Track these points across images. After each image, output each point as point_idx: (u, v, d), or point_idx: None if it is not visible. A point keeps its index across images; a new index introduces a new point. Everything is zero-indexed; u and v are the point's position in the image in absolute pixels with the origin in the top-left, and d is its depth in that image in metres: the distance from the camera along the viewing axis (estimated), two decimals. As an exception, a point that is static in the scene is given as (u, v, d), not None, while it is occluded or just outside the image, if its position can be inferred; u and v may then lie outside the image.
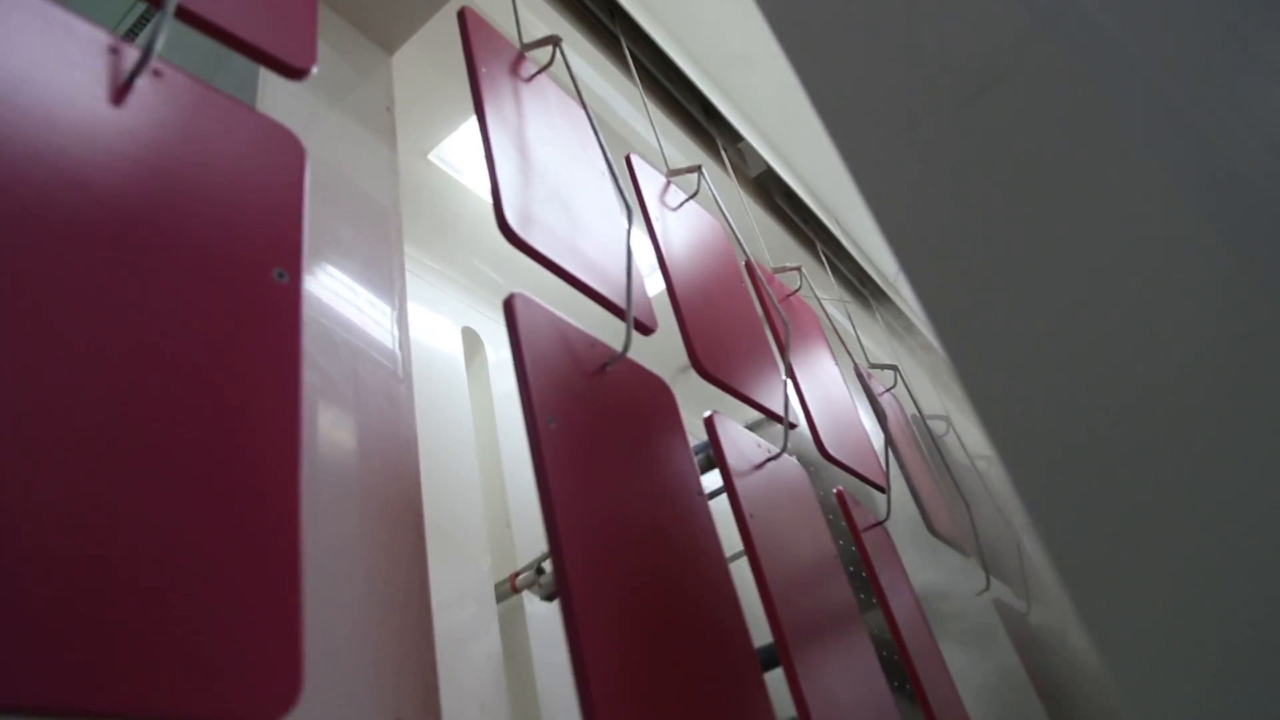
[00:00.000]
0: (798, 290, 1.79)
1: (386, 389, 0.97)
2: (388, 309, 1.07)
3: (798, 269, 1.79)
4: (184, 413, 0.56)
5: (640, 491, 0.92)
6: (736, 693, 0.91)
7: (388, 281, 1.08)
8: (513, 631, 1.60)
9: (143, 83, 0.66)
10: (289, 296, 0.65)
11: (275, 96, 1.10)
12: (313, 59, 0.81)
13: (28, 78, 0.60)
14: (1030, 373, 0.47)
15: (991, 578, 1.92)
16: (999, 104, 0.53)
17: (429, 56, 1.65)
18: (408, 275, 1.14)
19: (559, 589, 0.76)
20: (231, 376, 0.59)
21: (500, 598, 1.60)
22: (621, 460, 0.93)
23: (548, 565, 1.55)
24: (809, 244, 2.37)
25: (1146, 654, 0.39)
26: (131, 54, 0.66)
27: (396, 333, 1.07)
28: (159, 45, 0.66)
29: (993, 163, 0.53)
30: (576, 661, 0.71)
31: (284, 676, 0.51)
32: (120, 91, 0.65)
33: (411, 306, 1.72)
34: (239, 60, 0.79)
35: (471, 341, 2.05)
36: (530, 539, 1.82)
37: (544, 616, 1.65)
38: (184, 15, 0.70)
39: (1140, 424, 0.42)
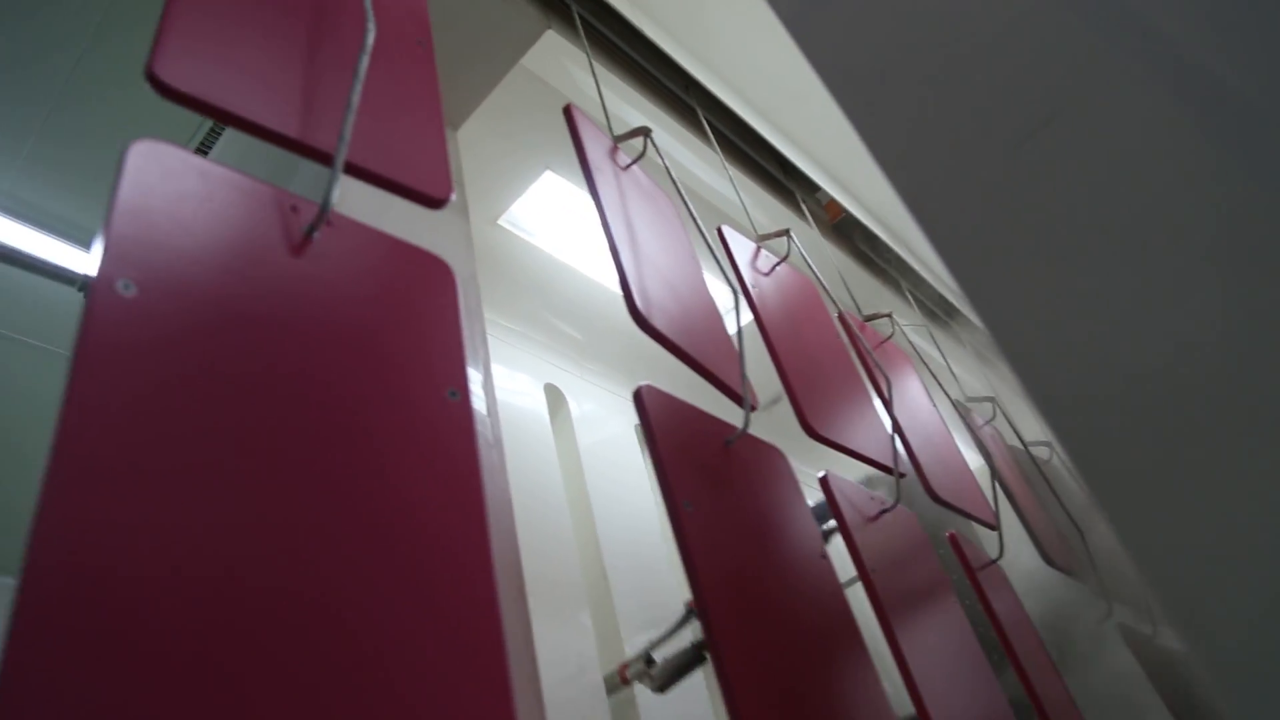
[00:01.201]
0: (890, 337, 1.82)
1: (481, 456, 1.04)
2: (476, 376, 1.14)
3: (888, 315, 1.82)
4: (393, 517, 0.63)
5: (773, 560, 0.97)
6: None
7: (473, 349, 1.15)
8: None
9: (323, 235, 0.74)
10: (462, 412, 0.72)
11: (349, 183, 1.19)
12: (449, 189, 0.89)
13: (230, 241, 0.69)
14: (1097, 388, 0.49)
15: (1113, 603, 1.90)
16: (1054, 140, 0.55)
17: (491, 127, 1.76)
18: (489, 339, 1.21)
19: (712, 657, 0.81)
20: (427, 487, 0.66)
21: (610, 689, 1.62)
22: (752, 531, 0.98)
23: (658, 655, 1.55)
24: (893, 283, 2.40)
25: (1242, 645, 0.40)
26: (309, 209, 0.75)
27: (485, 397, 1.14)
28: (335, 199, 0.74)
29: (1051, 197, 0.54)
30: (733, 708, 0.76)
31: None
32: (301, 244, 0.74)
33: (494, 369, 1.80)
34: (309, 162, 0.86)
35: (554, 397, 2.12)
36: (628, 589, 1.86)
37: (657, 705, 1.67)
38: (349, 169, 0.79)
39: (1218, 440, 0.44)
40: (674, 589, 2.00)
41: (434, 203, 0.87)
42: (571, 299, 2.19)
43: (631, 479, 2.12)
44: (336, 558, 0.59)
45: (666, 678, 1.48)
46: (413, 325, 0.76)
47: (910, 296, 2.35)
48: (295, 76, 0.87)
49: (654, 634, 1.63)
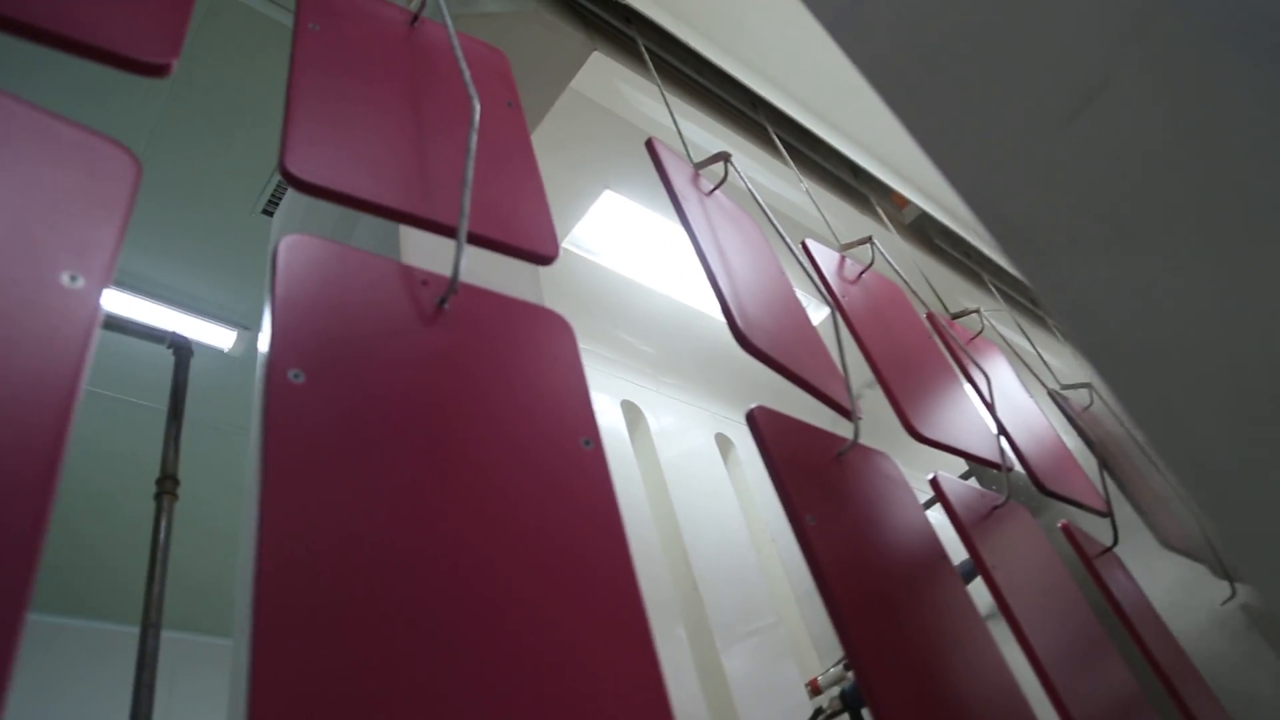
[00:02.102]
0: (980, 332, 1.83)
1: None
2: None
3: (976, 311, 1.83)
4: (550, 561, 0.68)
5: (897, 562, 1.00)
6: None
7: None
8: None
9: (452, 305, 0.80)
10: (597, 458, 0.78)
11: (410, 233, 1.24)
12: (556, 247, 0.95)
13: (374, 319, 0.76)
14: (1168, 367, 0.47)
15: (1237, 585, 1.86)
16: (1106, 112, 0.52)
17: (547, 153, 1.81)
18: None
19: (851, 662, 0.84)
20: (575, 531, 0.71)
21: None
22: (874, 536, 1.01)
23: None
24: (974, 276, 2.39)
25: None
26: (437, 281, 0.81)
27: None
28: (461, 269, 0.80)
29: (1107, 171, 0.52)
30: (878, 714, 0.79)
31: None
32: (434, 315, 0.80)
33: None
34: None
35: (632, 413, 2.16)
36: (720, 600, 1.89)
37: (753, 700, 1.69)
38: (469, 239, 0.85)
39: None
40: (766, 597, 2.02)
41: (544, 260, 0.93)
42: (642, 314, 2.23)
43: (716, 489, 2.15)
44: (507, 598, 0.64)
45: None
46: (543, 379, 0.82)
47: (993, 288, 2.34)
48: (407, 153, 0.94)
49: (751, 639, 1.64)
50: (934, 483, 1.24)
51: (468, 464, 0.70)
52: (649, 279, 2.20)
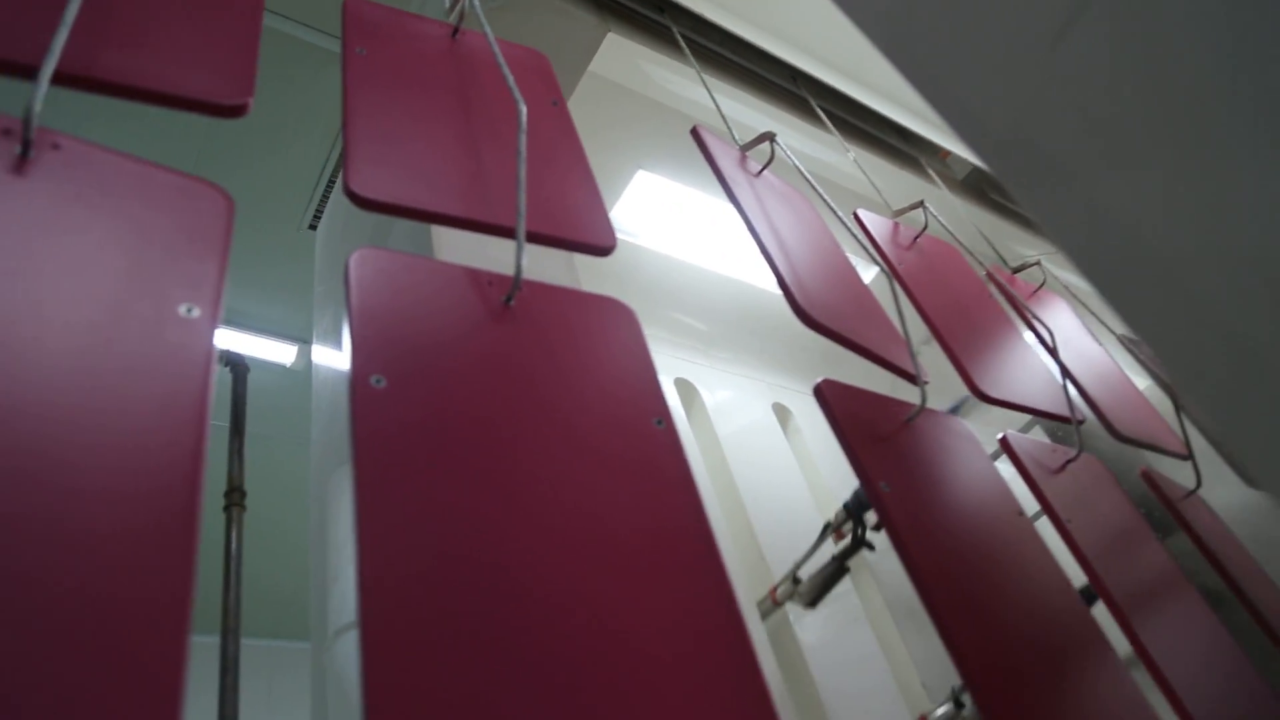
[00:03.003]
0: (1043, 284, 1.81)
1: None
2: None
3: (1037, 263, 1.80)
4: (633, 538, 0.71)
5: (974, 523, 1.01)
6: (1109, 687, 0.97)
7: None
8: (784, 646, 1.69)
9: (517, 302, 0.84)
10: (670, 437, 0.80)
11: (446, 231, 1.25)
12: (614, 238, 0.97)
13: (445, 321, 0.80)
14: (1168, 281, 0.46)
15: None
16: (1092, 31, 0.50)
17: None
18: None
19: (934, 621, 0.85)
20: (656, 509, 0.74)
21: (763, 614, 1.69)
22: (949, 498, 1.02)
23: (802, 574, 1.61)
24: (1035, 226, 2.35)
25: None
26: (501, 281, 0.85)
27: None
28: (524, 266, 0.84)
29: (1102, 93, 0.50)
30: (968, 679, 0.80)
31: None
32: (501, 312, 0.83)
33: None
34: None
35: (686, 391, 2.17)
36: (786, 570, 1.91)
37: (811, 625, 1.71)
38: (528, 237, 0.88)
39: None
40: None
41: (602, 251, 0.96)
42: (688, 291, 2.24)
43: (776, 459, 2.14)
44: (598, 582, 0.67)
45: (814, 593, 1.55)
46: (611, 365, 0.84)
47: (1054, 237, 2.30)
48: (462, 161, 0.98)
49: (797, 555, 1.69)
50: (1004, 442, 1.24)
51: (548, 454, 0.73)
52: (691, 255, 2.21)
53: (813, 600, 1.59)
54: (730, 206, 1.89)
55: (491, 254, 1.32)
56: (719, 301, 2.30)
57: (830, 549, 1.60)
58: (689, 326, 2.30)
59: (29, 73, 0.73)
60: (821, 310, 1.10)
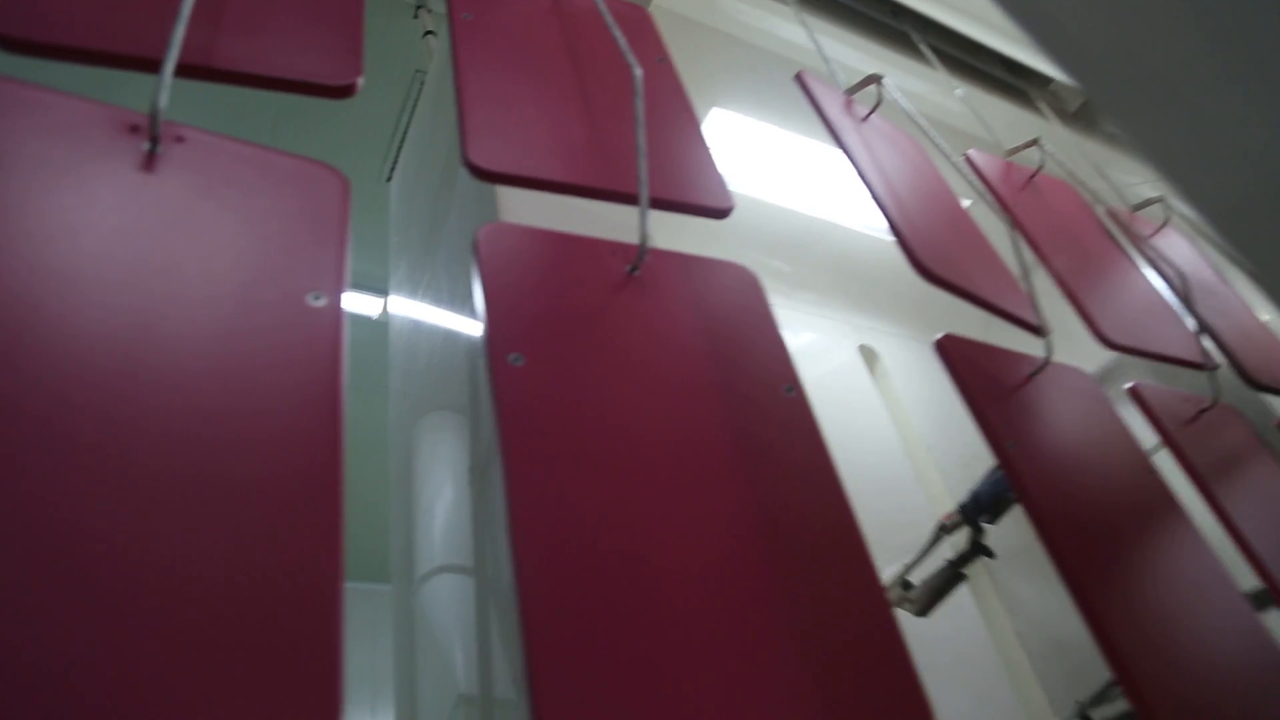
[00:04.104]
0: (1167, 221, 1.72)
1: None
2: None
3: (1160, 200, 1.72)
4: (770, 502, 0.71)
5: (1104, 477, 0.99)
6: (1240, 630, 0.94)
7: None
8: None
9: (642, 270, 0.84)
10: (801, 405, 0.80)
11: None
12: (731, 201, 0.96)
13: (573, 294, 0.80)
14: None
15: None
16: None
17: None
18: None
19: (1066, 582, 0.84)
20: (791, 476, 0.74)
21: None
22: (1077, 454, 0.99)
23: (914, 578, 1.53)
24: (1149, 157, 2.24)
25: None
26: (627, 251, 0.85)
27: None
28: (648, 234, 0.83)
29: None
30: (1115, 665, 0.79)
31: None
32: (626, 281, 0.84)
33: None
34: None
35: None
36: (875, 522, 1.87)
37: (921, 633, 1.66)
38: (655, 204, 0.88)
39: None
40: (924, 516, 1.99)
41: (720, 214, 0.95)
42: (769, 231, 2.19)
43: (865, 403, 2.10)
44: (740, 549, 0.68)
45: (926, 600, 1.48)
46: (738, 331, 0.84)
47: (1174, 169, 2.19)
48: (576, 127, 0.97)
49: (907, 558, 1.64)
50: (1133, 391, 1.20)
51: (684, 422, 0.74)
52: (770, 194, 2.16)
53: (924, 608, 1.51)
54: (812, 143, 1.85)
55: (569, 215, 1.31)
56: (801, 241, 2.25)
57: (941, 546, 1.54)
58: (768, 266, 2.26)
59: (152, 66, 0.75)
60: (940, 263, 1.08)
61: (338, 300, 0.68)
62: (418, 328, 2.30)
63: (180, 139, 0.73)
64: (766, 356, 0.83)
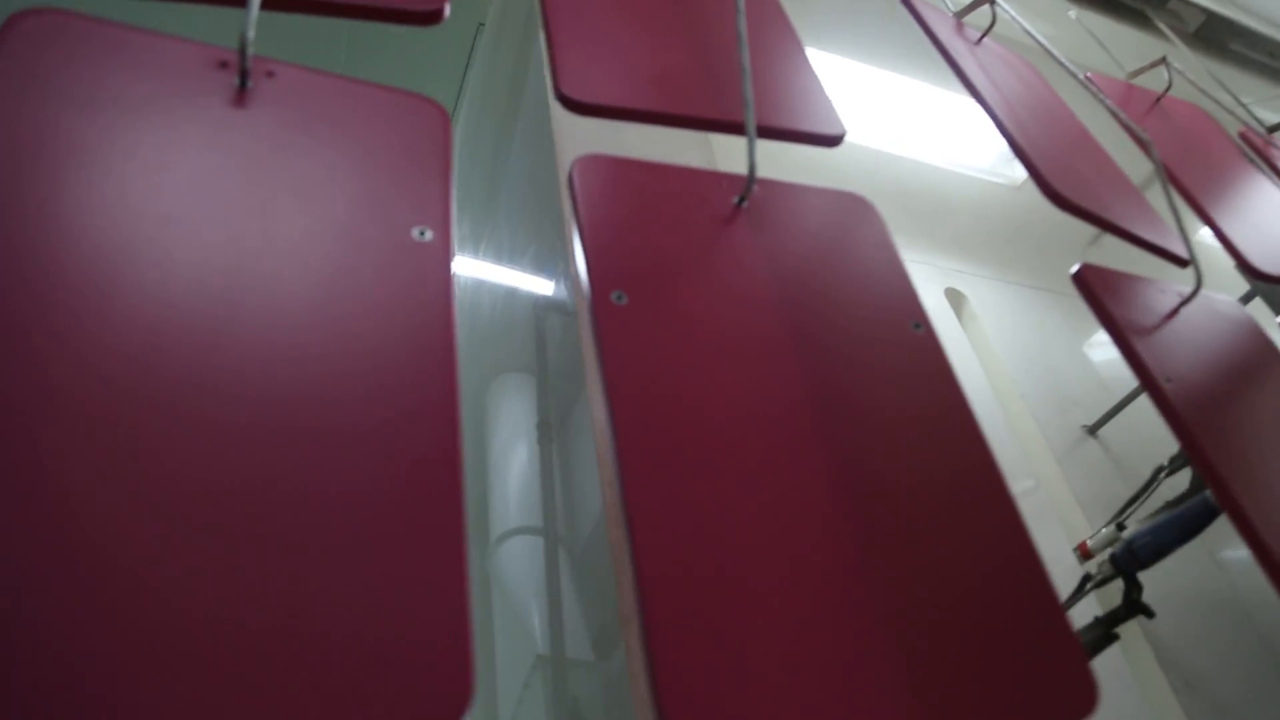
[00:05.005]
0: (1308, 142, 1.57)
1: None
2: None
3: (1299, 119, 1.57)
4: (903, 446, 0.65)
5: (1263, 411, 0.90)
6: None
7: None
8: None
9: (750, 202, 0.78)
10: (931, 342, 0.73)
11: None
12: (843, 127, 0.89)
13: (678, 229, 0.75)
14: None
15: None
16: None
17: None
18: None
19: (1229, 514, 0.75)
20: (924, 417, 0.68)
21: None
22: (1237, 389, 0.90)
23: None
24: (1276, 75, 2.06)
25: None
26: (733, 181, 0.79)
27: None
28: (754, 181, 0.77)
29: None
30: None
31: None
32: (733, 215, 0.78)
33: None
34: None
35: None
36: None
37: None
38: (763, 132, 0.81)
39: None
40: (1021, 460, 1.89)
41: (832, 141, 0.88)
42: (851, 171, 2.10)
43: (952, 349, 2.00)
44: (871, 493, 0.62)
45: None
46: (858, 265, 0.78)
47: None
48: (671, 53, 0.91)
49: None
50: (1289, 324, 1.09)
51: (803, 359, 0.68)
52: (854, 133, 2.07)
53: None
54: (895, 78, 1.74)
55: (629, 141, 1.24)
56: (884, 181, 2.16)
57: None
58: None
59: (239, 0, 0.71)
60: (1074, 189, 0.99)
61: (445, 234, 0.64)
62: (480, 286, 2.27)
63: (270, 74, 0.69)
64: (890, 292, 0.76)
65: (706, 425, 0.63)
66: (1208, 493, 1.33)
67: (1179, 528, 1.33)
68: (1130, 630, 1.51)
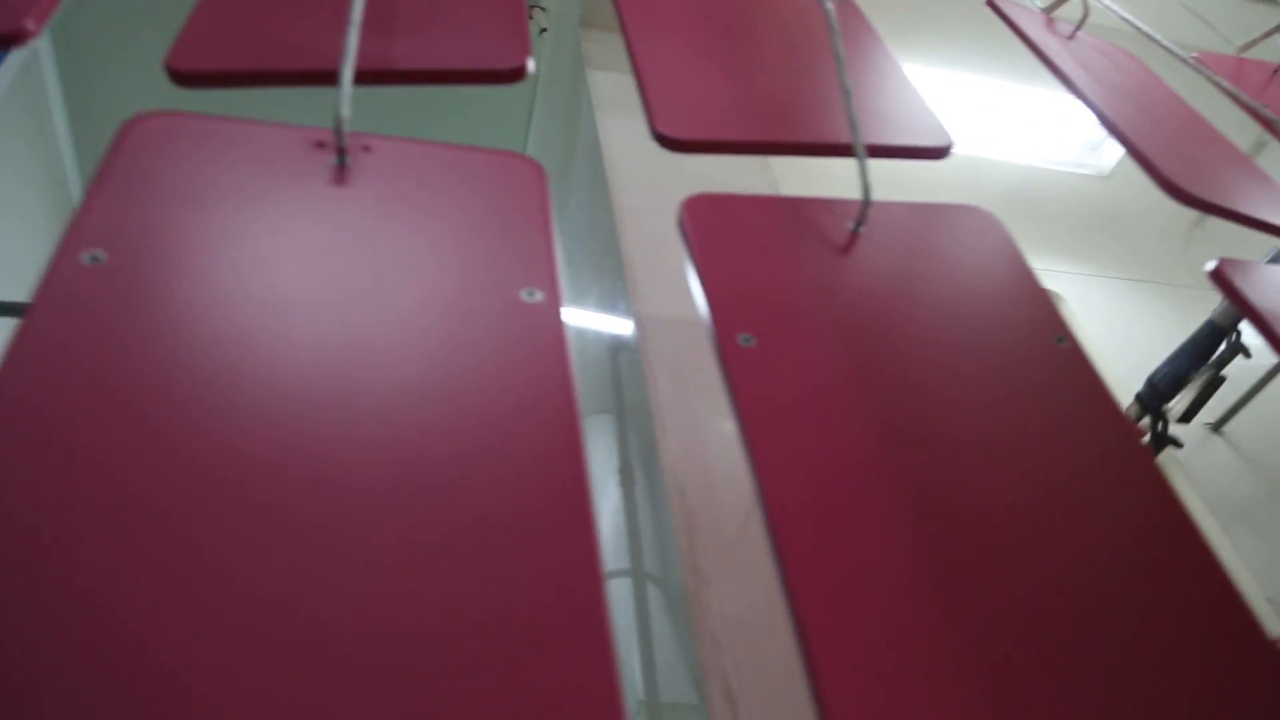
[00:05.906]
0: None
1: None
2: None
3: None
4: (1045, 470, 0.61)
5: None
6: None
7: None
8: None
9: (866, 226, 0.74)
10: (1076, 356, 0.69)
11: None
12: (950, 138, 0.85)
13: (796, 264, 0.72)
14: None
15: None
16: None
17: None
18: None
19: None
20: (1076, 434, 0.63)
21: None
22: None
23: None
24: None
25: None
26: (847, 207, 0.76)
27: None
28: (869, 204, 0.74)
29: None
30: None
31: None
32: (851, 242, 0.74)
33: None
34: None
35: None
36: None
37: None
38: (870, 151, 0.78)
39: None
40: None
41: (940, 154, 0.84)
42: (930, 174, 2.05)
43: None
44: (1023, 516, 0.58)
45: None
46: (986, 281, 0.74)
47: None
48: (763, 78, 0.89)
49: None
50: None
51: (944, 387, 0.64)
52: None
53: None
54: (976, 78, 1.69)
55: (689, 168, 1.20)
56: (968, 182, 2.09)
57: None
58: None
59: (330, 79, 0.71)
60: (1196, 183, 0.93)
61: (554, 293, 0.62)
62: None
63: (367, 148, 0.69)
64: (1027, 305, 0.72)
65: (853, 463, 0.59)
66: (1213, 317, 1.48)
67: (1191, 353, 1.46)
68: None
